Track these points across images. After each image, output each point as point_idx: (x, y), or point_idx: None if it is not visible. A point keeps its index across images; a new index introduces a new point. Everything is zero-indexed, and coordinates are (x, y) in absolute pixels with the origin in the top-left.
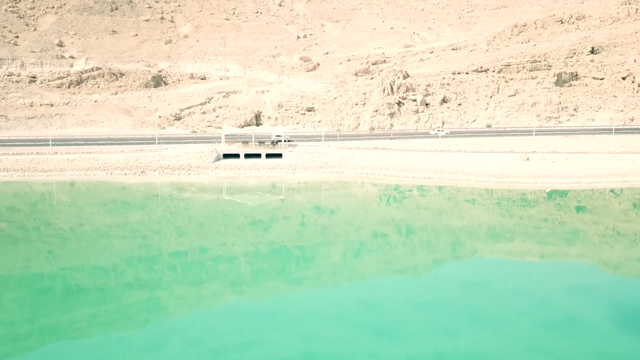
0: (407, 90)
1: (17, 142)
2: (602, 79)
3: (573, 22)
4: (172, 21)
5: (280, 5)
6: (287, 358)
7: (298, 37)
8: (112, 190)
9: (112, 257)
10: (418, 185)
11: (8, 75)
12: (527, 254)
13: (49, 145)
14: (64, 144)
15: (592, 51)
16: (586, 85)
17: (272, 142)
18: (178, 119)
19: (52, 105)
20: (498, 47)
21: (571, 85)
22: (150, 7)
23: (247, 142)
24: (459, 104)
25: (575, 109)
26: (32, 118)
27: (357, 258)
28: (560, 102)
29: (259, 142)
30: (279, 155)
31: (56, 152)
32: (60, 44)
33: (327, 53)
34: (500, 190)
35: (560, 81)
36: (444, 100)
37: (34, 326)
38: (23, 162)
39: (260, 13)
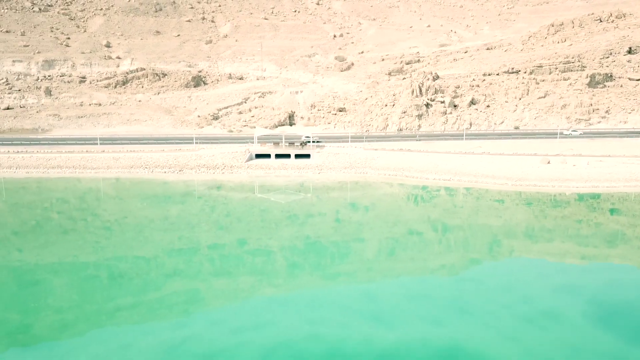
0: (436, 92)
1: (68, 141)
2: (638, 79)
3: (612, 21)
4: (212, 21)
5: (318, 3)
6: (295, 338)
7: (334, 36)
8: (153, 187)
9: (154, 249)
10: (437, 186)
11: (61, 76)
12: (517, 251)
13: (97, 144)
14: (110, 142)
15: (630, 51)
16: (621, 86)
17: (301, 143)
18: (216, 118)
19: (99, 104)
20: (533, 47)
21: (605, 86)
22: (192, 8)
23: (277, 143)
24: (487, 106)
25: (606, 111)
26: (81, 117)
27: (374, 255)
28: (591, 104)
29: (289, 143)
30: (308, 156)
31: (103, 151)
32: (108, 45)
33: (362, 52)
34: (515, 193)
35: (593, 82)
36: (472, 102)
37: (81, 312)
38: (74, 160)
39: (298, 12)
